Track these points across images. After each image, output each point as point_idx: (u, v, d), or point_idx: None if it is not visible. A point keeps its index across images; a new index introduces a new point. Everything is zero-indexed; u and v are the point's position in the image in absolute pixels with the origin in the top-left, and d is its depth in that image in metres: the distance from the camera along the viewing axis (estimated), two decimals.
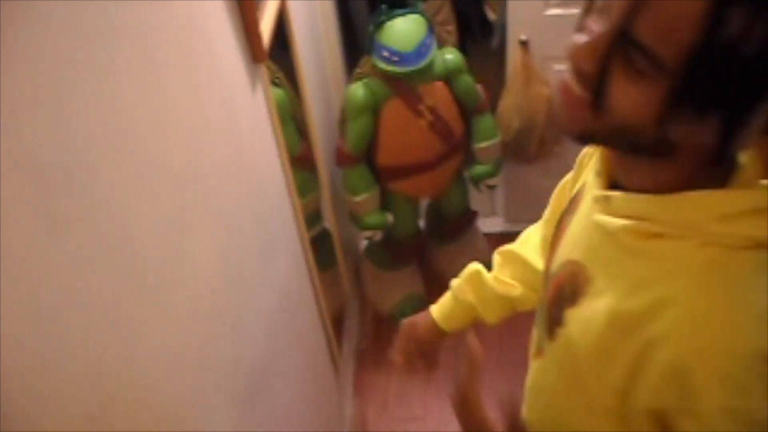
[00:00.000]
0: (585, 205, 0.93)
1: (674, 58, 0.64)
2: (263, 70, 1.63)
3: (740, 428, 0.72)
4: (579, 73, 0.73)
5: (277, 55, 1.86)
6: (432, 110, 2.53)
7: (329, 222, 2.53)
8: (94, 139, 0.81)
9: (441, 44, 2.62)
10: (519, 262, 1.32)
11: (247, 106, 1.51)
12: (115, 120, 0.87)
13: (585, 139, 0.81)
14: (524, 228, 1.36)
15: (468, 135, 2.73)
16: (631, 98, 0.69)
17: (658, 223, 0.77)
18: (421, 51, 2.41)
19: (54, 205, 0.72)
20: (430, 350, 1.42)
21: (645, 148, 0.74)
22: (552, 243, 1.06)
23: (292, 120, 2.13)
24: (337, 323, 2.54)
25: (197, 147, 1.18)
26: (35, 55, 0.70)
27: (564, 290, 0.93)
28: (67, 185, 0.75)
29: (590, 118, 0.74)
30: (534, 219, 1.33)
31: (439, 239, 3.14)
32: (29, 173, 0.68)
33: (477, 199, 3.08)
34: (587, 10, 0.72)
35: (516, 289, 1.31)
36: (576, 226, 0.96)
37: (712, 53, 0.61)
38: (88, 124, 0.80)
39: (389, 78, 2.46)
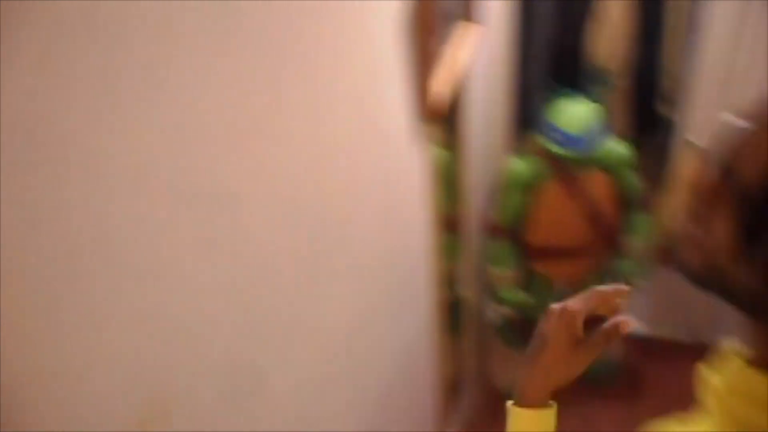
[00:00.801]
0: None
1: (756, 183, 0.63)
2: (431, 131, 1.65)
3: None
4: None
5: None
6: (589, 199, 2.47)
7: (465, 288, 2.50)
8: (243, 173, 0.85)
9: (610, 134, 2.57)
10: None
11: (406, 164, 1.53)
12: (268, 159, 0.90)
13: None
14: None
15: (622, 229, 2.64)
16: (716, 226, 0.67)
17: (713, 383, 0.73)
18: (588, 137, 2.37)
19: (206, 230, 0.75)
20: None
21: (724, 290, 0.69)
22: None
23: (447, 181, 2.14)
24: (450, 390, 2.49)
25: (347, 198, 1.20)
26: (198, 95, 0.74)
27: None
28: (216, 212, 0.78)
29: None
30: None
31: None
32: (187, 200, 0.72)
33: None
34: None
35: None
36: None
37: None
38: (238, 157, 0.83)
39: (552, 159, 2.44)
